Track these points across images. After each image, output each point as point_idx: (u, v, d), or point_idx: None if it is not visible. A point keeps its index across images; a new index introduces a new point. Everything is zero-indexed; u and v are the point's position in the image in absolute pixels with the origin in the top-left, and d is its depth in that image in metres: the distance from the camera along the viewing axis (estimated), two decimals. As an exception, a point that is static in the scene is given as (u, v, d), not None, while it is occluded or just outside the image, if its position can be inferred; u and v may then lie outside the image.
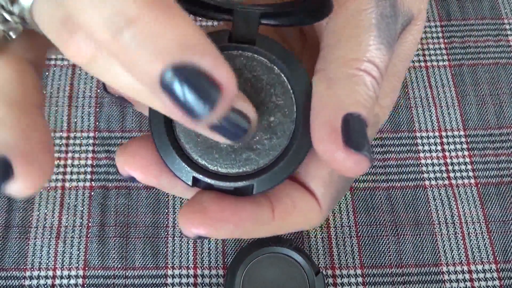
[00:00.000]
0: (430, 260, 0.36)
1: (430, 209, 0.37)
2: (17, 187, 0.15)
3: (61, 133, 0.39)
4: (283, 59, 0.20)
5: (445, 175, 0.38)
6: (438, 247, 0.36)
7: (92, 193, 0.38)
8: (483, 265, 0.36)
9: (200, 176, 0.19)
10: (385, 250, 0.36)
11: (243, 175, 0.19)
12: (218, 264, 0.36)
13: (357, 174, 0.17)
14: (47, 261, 0.35)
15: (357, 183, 0.38)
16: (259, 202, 0.19)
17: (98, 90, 0.41)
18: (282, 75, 0.20)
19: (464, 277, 0.35)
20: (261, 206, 0.19)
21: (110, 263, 0.36)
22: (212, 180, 0.19)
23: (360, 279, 0.35)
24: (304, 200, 0.20)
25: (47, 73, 0.41)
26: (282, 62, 0.20)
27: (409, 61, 0.23)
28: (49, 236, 0.36)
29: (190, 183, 0.19)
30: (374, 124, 0.22)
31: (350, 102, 0.17)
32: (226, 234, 0.18)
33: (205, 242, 0.36)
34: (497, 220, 0.37)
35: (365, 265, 0.36)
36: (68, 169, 0.38)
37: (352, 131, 0.17)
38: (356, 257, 0.36)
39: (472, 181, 0.38)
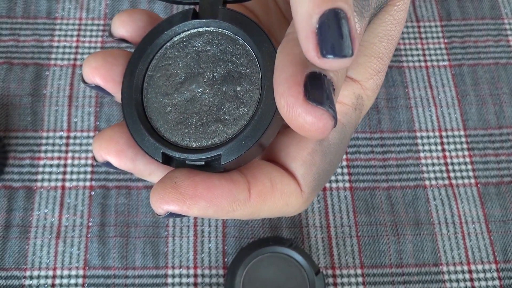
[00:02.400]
0: (430, 260, 0.36)
1: (430, 209, 0.37)
2: None
3: (61, 133, 0.39)
4: (247, 29, 0.20)
5: (445, 175, 0.38)
6: (438, 247, 0.36)
7: (92, 193, 0.38)
8: (483, 265, 0.36)
9: (168, 151, 0.19)
10: (385, 250, 0.36)
11: (211, 146, 0.19)
12: (218, 264, 0.36)
13: (322, 134, 0.17)
14: (47, 261, 0.35)
15: (357, 183, 0.38)
16: (235, 180, 0.19)
17: (98, 90, 0.41)
18: (247, 44, 0.20)
19: (464, 277, 0.35)
20: (237, 184, 0.19)
21: (110, 262, 0.36)
22: (180, 153, 0.19)
23: (360, 279, 0.35)
24: (284, 182, 0.20)
25: (47, 73, 0.41)
26: (245, 32, 0.20)
27: (393, 44, 0.23)
28: (49, 236, 0.36)
29: (159, 159, 0.19)
30: (357, 106, 0.22)
31: None
32: (199, 212, 0.18)
33: (205, 241, 0.36)
34: (497, 220, 0.37)
35: (365, 265, 0.36)
36: (68, 169, 0.38)
37: (316, 88, 0.16)
38: (356, 257, 0.36)
39: (472, 181, 0.38)
